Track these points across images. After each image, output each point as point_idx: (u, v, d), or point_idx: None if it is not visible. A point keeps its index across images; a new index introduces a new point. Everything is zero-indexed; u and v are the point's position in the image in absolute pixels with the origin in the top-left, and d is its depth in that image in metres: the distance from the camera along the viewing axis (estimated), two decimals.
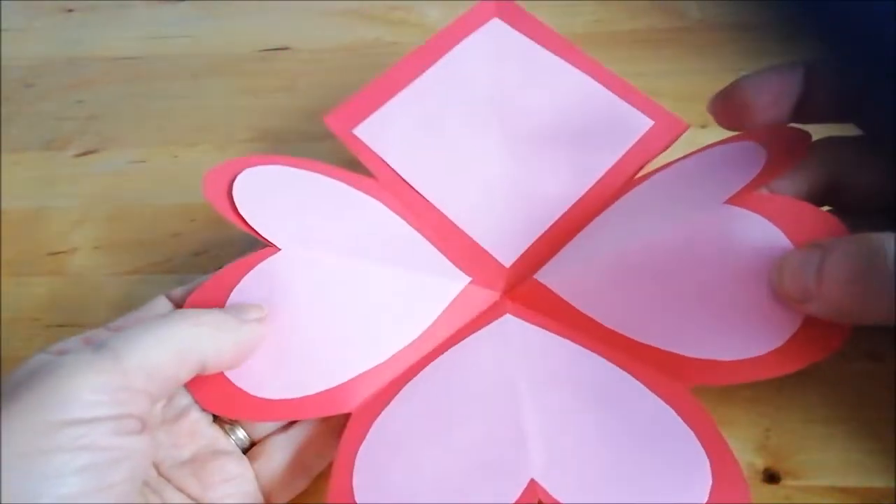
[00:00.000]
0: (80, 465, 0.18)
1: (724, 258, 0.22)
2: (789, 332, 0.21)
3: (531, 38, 0.28)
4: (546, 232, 0.27)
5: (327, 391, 0.23)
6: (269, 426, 0.24)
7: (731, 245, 0.22)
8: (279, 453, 0.24)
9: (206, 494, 0.22)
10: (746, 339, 0.21)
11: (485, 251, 0.27)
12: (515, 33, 0.28)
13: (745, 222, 0.22)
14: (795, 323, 0.21)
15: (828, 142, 0.25)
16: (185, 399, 0.23)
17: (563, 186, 0.28)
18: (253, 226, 0.25)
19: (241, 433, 0.24)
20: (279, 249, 0.25)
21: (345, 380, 0.23)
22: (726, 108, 0.25)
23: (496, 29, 0.29)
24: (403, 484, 0.21)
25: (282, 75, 0.39)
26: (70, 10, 0.45)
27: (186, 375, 0.21)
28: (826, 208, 0.25)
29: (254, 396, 0.23)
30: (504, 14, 0.29)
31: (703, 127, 0.31)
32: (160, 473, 0.22)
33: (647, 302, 0.23)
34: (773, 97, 0.24)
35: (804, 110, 0.24)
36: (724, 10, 0.38)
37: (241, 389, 0.23)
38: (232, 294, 0.24)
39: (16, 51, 0.43)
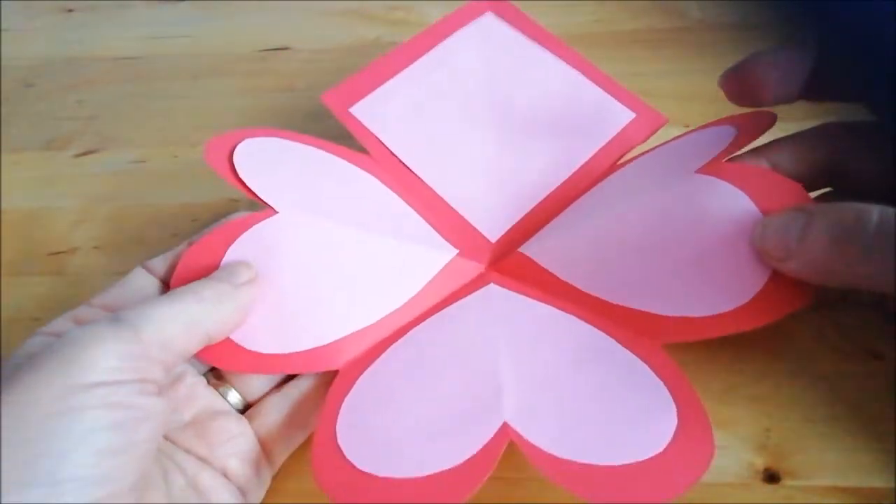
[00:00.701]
0: (111, 421, 0.19)
1: (693, 222, 0.23)
2: (756, 288, 0.22)
3: (523, 32, 0.30)
4: (530, 211, 0.29)
5: (317, 348, 0.24)
6: (261, 387, 0.25)
7: (701, 210, 0.23)
8: (275, 411, 0.24)
9: (213, 454, 0.23)
10: (715, 296, 0.22)
11: (472, 226, 0.29)
12: (507, 27, 0.30)
13: (713, 189, 0.23)
14: (762, 279, 0.22)
15: (832, 125, 0.25)
16: (180, 367, 0.24)
17: (547, 170, 0.30)
18: (252, 188, 0.26)
19: (234, 394, 0.25)
20: (273, 213, 0.26)
21: (334, 339, 0.24)
22: (737, 83, 0.25)
23: (489, 22, 0.31)
24: (384, 428, 0.22)
25: (282, 75, 0.39)
26: (70, 10, 0.45)
27: (195, 347, 0.22)
28: (826, 190, 0.26)
29: (248, 350, 0.24)
30: (498, 9, 0.31)
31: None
32: (166, 437, 0.23)
33: (624, 267, 0.24)
34: (782, 74, 0.24)
35: (814, 88, 0.24)
36: (724, 10, 0.38)
37: (236, 344, 0.24)
38: (226, 254, 0.25)
39: (16, 51, 0.43)
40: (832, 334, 0.26)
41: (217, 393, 0.25)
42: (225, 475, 0.23)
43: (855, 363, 0.25)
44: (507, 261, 0.27)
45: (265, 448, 0.24)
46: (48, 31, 0.44)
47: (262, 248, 0.25)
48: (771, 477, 0.23)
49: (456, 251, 0.27)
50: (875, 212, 0.20)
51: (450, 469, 0.20)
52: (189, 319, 0.22)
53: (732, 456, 0.24)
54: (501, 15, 0.31)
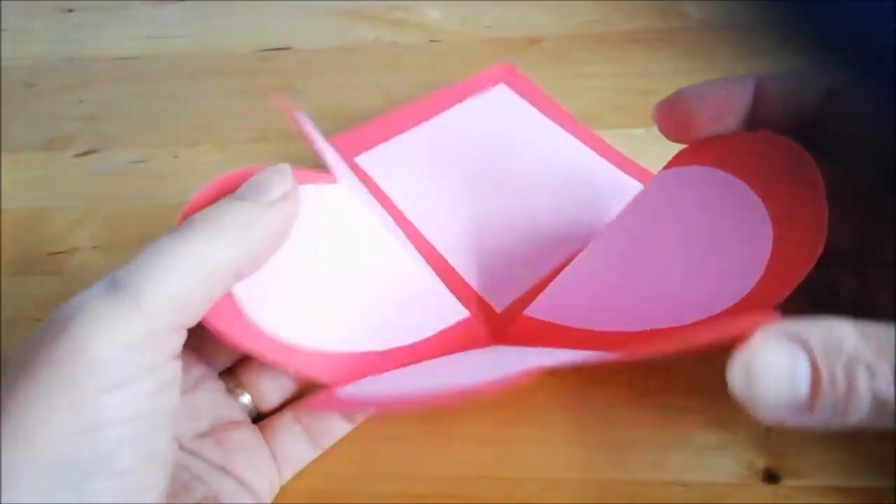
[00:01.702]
0: (129, 436, 0.17)
1: (677, 227, 0.22)
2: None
3: (533, 104, 0.30)
4: (536, 283, 0.28)
5: (319, 352, 0.22)
6: (275, 397, 0.24)
7: (683, 208, 0.22)
8: (288, 432, 0.24)
9: (230, 464, 0.22)
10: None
11: (478, 294, 0.28)
12: (519, 99, 0.30)
13: (691, 180, 0.22)
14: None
15: (811, 74, 0.22)
16: (197, 370, 0.23)
17: (555, 243, 0.29)
18: None
19: (246, 398, 0.24)
20: (331, 180, 0.23)
21: (339, 350, 0.23)
22: (668, 118, 0.23)
23: (502, 93, 0.31)
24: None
25: (282, 75, 0.39)
26: (70, 10, 0.45)
27: (220, 292, 0.19)
28: None
29: (250, 322, 0.21)
30: (510, 80, 0.31)
31: None
32: (182, 447, 0.21)
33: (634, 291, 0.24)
34: (715, 111, 0.22)
35: (754, 126, 0.22)
36: (724, 10, 0.38)
37: (243, 312, 0.21)
38: None
39: (16, 51, 0.43)
40: None
41: (234, 401, 0.24)
42: (243, 486, 0.22)
43: None
44: (515, 327, 0.26)
45: (277, 463, 0.23)
46: (48, 31, 0.44)
47: (308, 212, 0.21)
48: (771, 477, 0.23)
49: (467, 312, 0.26)
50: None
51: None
52: (207, 260, 0.18)
53: (732, 456, 0.24)
54: (513, 85, 0.31)
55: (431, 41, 0.41)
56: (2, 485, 0.15)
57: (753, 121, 0.22)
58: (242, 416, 0.24)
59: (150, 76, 0.40)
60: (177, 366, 0.19)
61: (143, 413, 0.17)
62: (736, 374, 0.18)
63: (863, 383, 0.17)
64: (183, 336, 0.19)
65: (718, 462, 0.24)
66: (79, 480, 0.16)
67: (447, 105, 0.31)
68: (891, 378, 0.16)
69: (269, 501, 0.23)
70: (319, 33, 0.41)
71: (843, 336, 0.17)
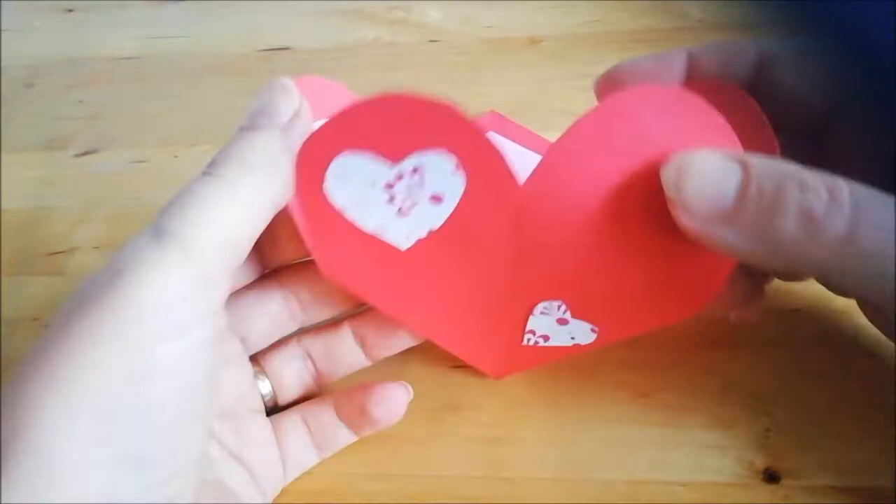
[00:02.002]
0: (178, 388, 0.17)
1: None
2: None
3: (522, 144, 0.27)
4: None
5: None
6: (294, 390, 0.24)
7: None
8: (294, 430, 0.24)
9: (244, 454, 0.22)
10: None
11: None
12: (510, 143, 0.27)
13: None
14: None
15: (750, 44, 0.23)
16: (233, 348, 0.23)
17: None
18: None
19: (267, 387, 0.24)
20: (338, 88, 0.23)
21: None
22: (605, 91, 0.23)
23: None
24: None
25: (282, 75, 0.39)
26: (70, 10, 0.45)
27: (262, 227, 0.19)
28: None
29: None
30: (499, 128, 0.27)
31: None
32: None
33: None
34: (648, 81, 0.22)
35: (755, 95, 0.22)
36: (724, 10, 0.38)
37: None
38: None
39: (16, 51, 0.43)
40: (832, 334, 0.26)
41: (256, 389, 0.24)
42: (252, 479, 0.22)
43: (855, 363, 0.25)
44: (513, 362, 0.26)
45: (283, 463, 0.23)
46: (48, 31, 0.44)
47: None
48: (771, 477, 0.23)
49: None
50: (844, 190, 0.17)
51: None
52: (243, 200, 0.18)
53: (732, 456, 0.24)
54: (502, 132, 0.27)
55: (431, 41, 0.41)
56: (46, 428, 0.15)
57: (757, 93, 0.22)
58: (260, 406, 0.24)
59: (150, 76, 0.40)
60: (223, 317, 0.18)
61: (191, 365, 0.17)
62: (669, 168, 0.18)
63: (791, 195, 0.17)
64: (229, 281, 0.18)
65: (718, 462, 0.24)
66: (124, 431, 0.16)
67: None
68: (824, 196, 0.16)
69: (271, 501, 0.23)
70: (319, 33, 0.41)
71: (785, 165, 0.17)
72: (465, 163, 0.20)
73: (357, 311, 0.25)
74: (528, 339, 0.24)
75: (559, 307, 0.23)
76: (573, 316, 0.23)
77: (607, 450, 0.24)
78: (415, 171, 0.20)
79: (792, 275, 0.24)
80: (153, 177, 0.35)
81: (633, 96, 0.20)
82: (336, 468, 0.24)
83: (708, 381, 0.26)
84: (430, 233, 0.21)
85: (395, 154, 0.20)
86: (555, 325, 0.24)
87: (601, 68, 0.37)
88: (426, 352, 0.26)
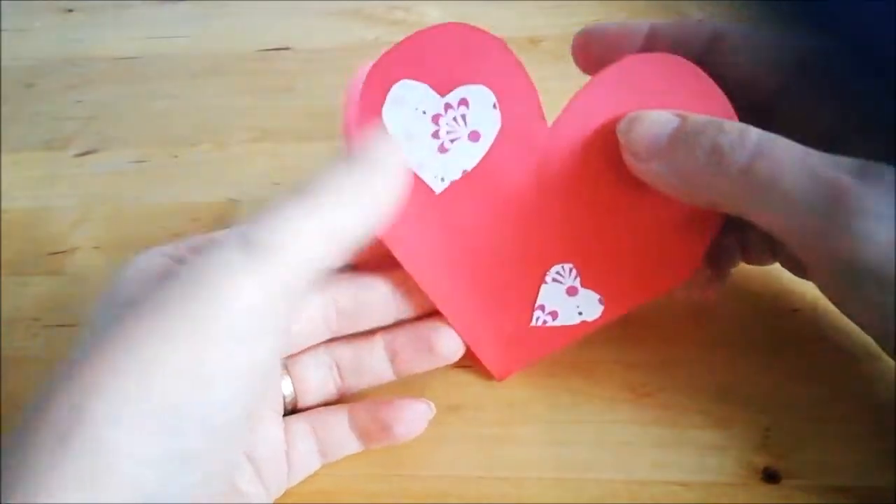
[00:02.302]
0: (242, 390, 0.17)
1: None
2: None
3: None
4: None
5: None
6: (314, 395, 0.24)
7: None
8: (302, 436, 0.24)
9: (255, 451, 0.22)
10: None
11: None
12: None
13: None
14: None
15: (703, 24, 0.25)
16: None
17: None
18: None
19: (289, 388, 0.24)
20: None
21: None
22: (575, 51, 0.25)
23: None
24: None
25: (282, 75, 0.39)
26: (70, 10, 0.45)
27: (349, 252, 0.19)
28: None
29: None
30: None
31: None
32: None
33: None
34: (612, 43, 0.24)
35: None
36: (723, 10, 0.38)
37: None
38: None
39: (16, 51, 0.43)
40: (832, 334, 0.26)
41: (279, 388, 0.24)
42: (258, 478, 0.22)
43: (855, 363, 0.25)
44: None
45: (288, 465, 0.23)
46: (48, 31, 0.44)
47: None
48: (771, 477, 0.23)
49: None
50: (753, 133, 0.20)
51: None
52: (333, 227, 0.18)
53: (732, 456, 0.24)
54: None
55: None
56: (105, 423, 0.15)
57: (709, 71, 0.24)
58: (280, 407, 0.24)
59: (150, 76, 0.40)
60: (288, 335, 0.19)
61: (253, 375, 0.17)
62: (624, 120, 0.22)
63: (708, 135, 0.20)
64: (305, 302, 0.19)
65: (718, 462, 0.24)
66: (178, 429, 0.16)
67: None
68: (735, 135, 0.20)
69: (273, 502, 0.23)
70: (319, 33, 0.41)
71: (716, 118, 0.21)
72: (504, 99, 0.22)
73: (391, 326, 0.25)
74: (537, 318, 0.25)
75: (571, 271, 0.24)
76: (583, 284, 0.24)
77: (607, 450, 0.24)
78: (461, 102, 0.22)
79: (757, 259, 0.26)
80: (153, 177, 0.35)
81: (636, 61, 0.23)
82: (338, 468, 0.24)
83: (708, 381, 0.26)
84: (464, 173, 0.23)
85: (445, 85, 0.22)
86: (564, 297, 0.25)
87: None
88: None
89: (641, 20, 0.25)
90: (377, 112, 0.22)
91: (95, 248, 0.33)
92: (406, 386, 0.26)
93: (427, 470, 0.24)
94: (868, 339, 0.25)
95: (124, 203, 0.34)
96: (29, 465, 0.15)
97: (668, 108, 0.22)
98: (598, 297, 0.25)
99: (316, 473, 0.24)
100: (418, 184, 0.22)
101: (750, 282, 0.28)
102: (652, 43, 0.24)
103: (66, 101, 0.39)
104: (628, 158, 0.22)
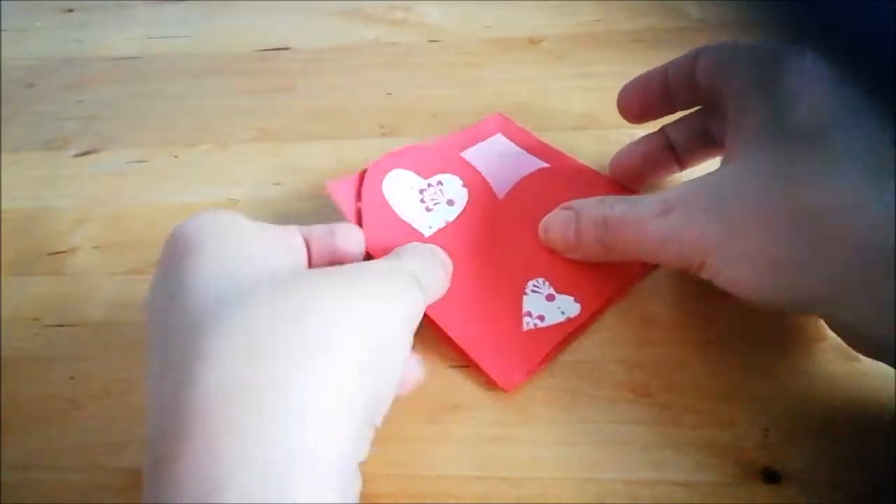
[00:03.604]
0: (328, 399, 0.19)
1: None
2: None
3: (527, 150, 0.33)
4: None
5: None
6: None
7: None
8: None
9: None
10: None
11: None
12: (515, 147, 0.33)
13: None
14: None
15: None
16: None
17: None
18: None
19: None
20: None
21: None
22: (622, 113, 0.30)
23: (500, 143, 0.34)
24: None
25: (282, 75, 0.39)
26: (70, 10, 0.45)
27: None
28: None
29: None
30: (505, 130, 0.34)
31: None
32: None
33: None
34: (643, 99, 0.30)
35: (670, 102, 0.29)
36: (724, 10, 0.39)
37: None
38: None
39: (16, 51, 0.43)
40: (832, 334, 0.26)
41: None
42: None
43: (854, 364, 0.25)
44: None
45: None
46: (48, 31, 0.44)
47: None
48: (771, 477, 0.23)
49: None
50: (616, 206, 0.26)
51: None
52: (436, 292, 0.25)
53: (732, 456, 0.24)
54: (508, 135, 0.34)
55: (431, 41, 0.41)
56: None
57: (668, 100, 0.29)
58: None
59: (150, 76, 0.40)
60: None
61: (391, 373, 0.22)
62: (540, 229, 0.29)
63: (589, 214, 0.27)
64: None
65: (718, 462, 0.24)
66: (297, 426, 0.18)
67: (460, 149, 0.33)
68: (592, 217, 0.26)
69: None
70: (319, 33, 0.41)
71: (605, 202, 0.27)
72: (468, 183, 0.31)
73: None
74: (528, 323, 0.27)
75: (545, 283, 0.28)
76: (558, 291, 0.28)
77: (607, 450, 0.24)
78: (439, 182, 0.31)
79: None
80: (153, 177, 0.35)
81: (551, 171, 0.32)
82: None
83: (708, 381, 0.26)
84: (447, 223, 0.30)
85: (426, 173, 0.31)
86: (545, 302, 0.28)
87: (601, 68, 0.37)
88: (426, 351, 0.26)
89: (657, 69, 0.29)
90: (378, 186, 0.30)
91: (95, 248, 0.33)
92: None
93: (427, 470, 0.25)
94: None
95: (124, 203, 0.34)
96: None
97: (574, 187, 0.30)
98: (572, 298, 0.28)
99: None
100: (411, 231, 0.29)
101: None
102: (663, 84, 0.29)
103: (66, 101, 0.39)
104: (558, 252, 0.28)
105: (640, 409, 0.25)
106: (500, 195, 0.31)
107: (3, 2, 0.45)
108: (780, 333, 0.27)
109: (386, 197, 0.30)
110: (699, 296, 0.28)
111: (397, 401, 0.22)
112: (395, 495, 0.24)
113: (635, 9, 0.40)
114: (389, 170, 0.31)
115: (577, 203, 0.27)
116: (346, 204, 0.30)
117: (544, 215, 0.29)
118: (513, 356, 0.27)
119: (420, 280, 0.23)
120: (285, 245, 0.23)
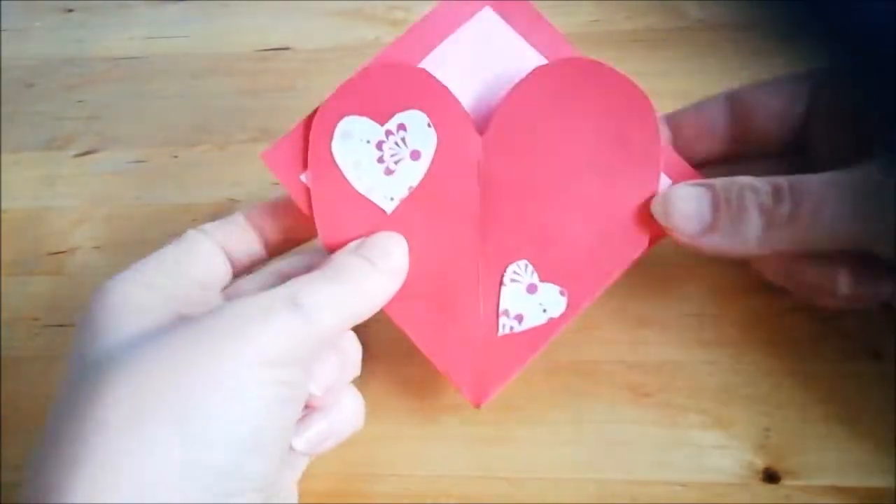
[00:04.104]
0: (275, 397, 0.19)
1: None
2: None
3: (523, 35, 0.26)
4: None
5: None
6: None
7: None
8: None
9: None
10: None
11: None
12: (507, 29, 0.26)
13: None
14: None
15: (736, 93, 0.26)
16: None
17: None
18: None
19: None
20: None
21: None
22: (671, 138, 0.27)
23: (488, 21, 0.26)
24: None
25: (282, 75, 0.39)
26: (70, 10, 0.45)
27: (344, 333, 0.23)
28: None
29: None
30: (497, 6, 0.26)
31: None
32: None
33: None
34: (694, 131, 0.26)
35: (745, 141, 0.26)
36: (724, 10, 0.38)
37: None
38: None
39: (16, 51, 0.43)
40: (832, 334, 0.26)
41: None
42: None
43: (855, 363, 0.25)
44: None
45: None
46: (48, 31, 0.44)
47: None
48: (771, 477, 0.24)
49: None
50: (783, 181, 0.22)
51: None
52: (352, 312, 0.22)
53: (732, 456, 0.24)
54: (499, 10, 0.26)
55: None
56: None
57: (740, 136, 0.26)
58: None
59: (150, 76, 0.40)
60: (308, 373, 0.22)
61: (291, 384, 0.20)
62: (657, 203, 0.23)
63: (749, 199, 0.22)
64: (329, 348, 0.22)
65: (718, 462, 0.24)
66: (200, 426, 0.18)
67: (431, 45, 0.26)
68: (769, 190, 0.22)
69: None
70: (319, 33, 0.41)
71: (738, 178, 0.23)
72: (437, 118, 0.25)
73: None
74: (503, 325, 0.24)
75: (527, 268, 0.24)
76: (541, 279, 0.24)
77: (607, 450, 0.24)
78: (399, 127, 0.25)
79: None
80: (153, 177, 0.35)
81: (549, 68, 0.25)
82: (336, 468, 0.24)
83: (708, 381, 0.26)
84: (411, 190, 0.25)
85: (383, 115, 0.25)
86: (526, 296, 0.24)
87: None
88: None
89: (717, 96, 0.27)
90: (326, 148, 0.25)
91: (95, 248, 0.33)
92: (404, 386, 0.26)
93: (426, 469, 0.25)
94: (868, 339, 0.25)
95: (124, 203, 0.34)
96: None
97: (592, 111, 0.25)
98: (558, 289, 0.24)
99: (314, 474, 0.24)
100: (370, 208, 0.24)
101: (750, 282, 0.28)
102: (746, 117, 0.26)
103: (66, 101, 0.39)
104: (677, 236, 0.23)
105: (639, 409, 0.25)
106: (482, 126, 0.25)
107: (3, 2, 0.45)
108: (779, 333, 0.27)
109: (337, 161, 0.24)
110: (699, 296, 0.28)
111: (395, 403, 0.22)
112: (395, 495, 0.24)
113: (634, 9, 0.40)
114: (340, 117, 0.25)
115: (703, 179, 0.24)
116: (288, 176, 0.25)
117: (539, 156, 0.24)
118: (485, 367, 0.24)
119: (304, 304, 0.20)
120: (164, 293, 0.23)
